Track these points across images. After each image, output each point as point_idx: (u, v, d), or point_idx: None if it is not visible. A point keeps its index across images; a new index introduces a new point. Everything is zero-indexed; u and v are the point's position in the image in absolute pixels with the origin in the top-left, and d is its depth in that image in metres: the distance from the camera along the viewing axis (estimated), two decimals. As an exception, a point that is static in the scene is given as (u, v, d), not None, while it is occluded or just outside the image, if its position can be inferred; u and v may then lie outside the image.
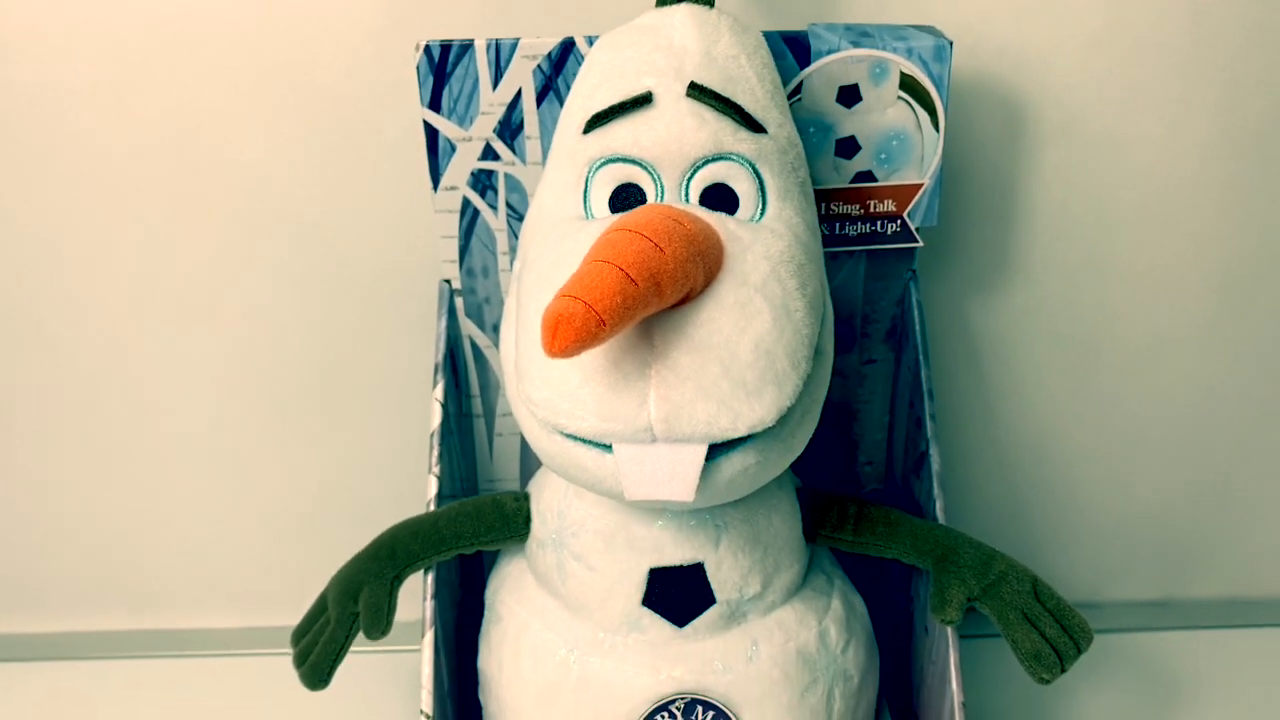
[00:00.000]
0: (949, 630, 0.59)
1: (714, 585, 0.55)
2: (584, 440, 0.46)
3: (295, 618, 0.78)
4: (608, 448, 0.46)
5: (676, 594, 0.55)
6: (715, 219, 0.50)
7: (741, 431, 0.45)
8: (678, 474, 0.43)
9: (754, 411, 0.46)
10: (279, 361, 0.77)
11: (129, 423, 0.79)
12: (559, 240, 0.51)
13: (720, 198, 0.52)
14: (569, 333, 0.41)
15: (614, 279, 0.42)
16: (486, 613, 0.63)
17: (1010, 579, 0.56)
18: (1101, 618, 0.83)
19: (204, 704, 0.76)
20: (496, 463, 0.71)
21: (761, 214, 0.52)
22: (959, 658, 0.58)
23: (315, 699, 0.74)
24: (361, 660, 0.80)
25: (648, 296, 0.43)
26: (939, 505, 0.61)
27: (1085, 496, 0.82)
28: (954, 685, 0.58)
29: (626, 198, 0.52)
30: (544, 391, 0.47)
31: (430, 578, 0.60)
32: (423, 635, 0.60)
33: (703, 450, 0.44)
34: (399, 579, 0.58)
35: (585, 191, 0.53)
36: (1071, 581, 0.85)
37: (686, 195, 0.52)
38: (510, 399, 0.53)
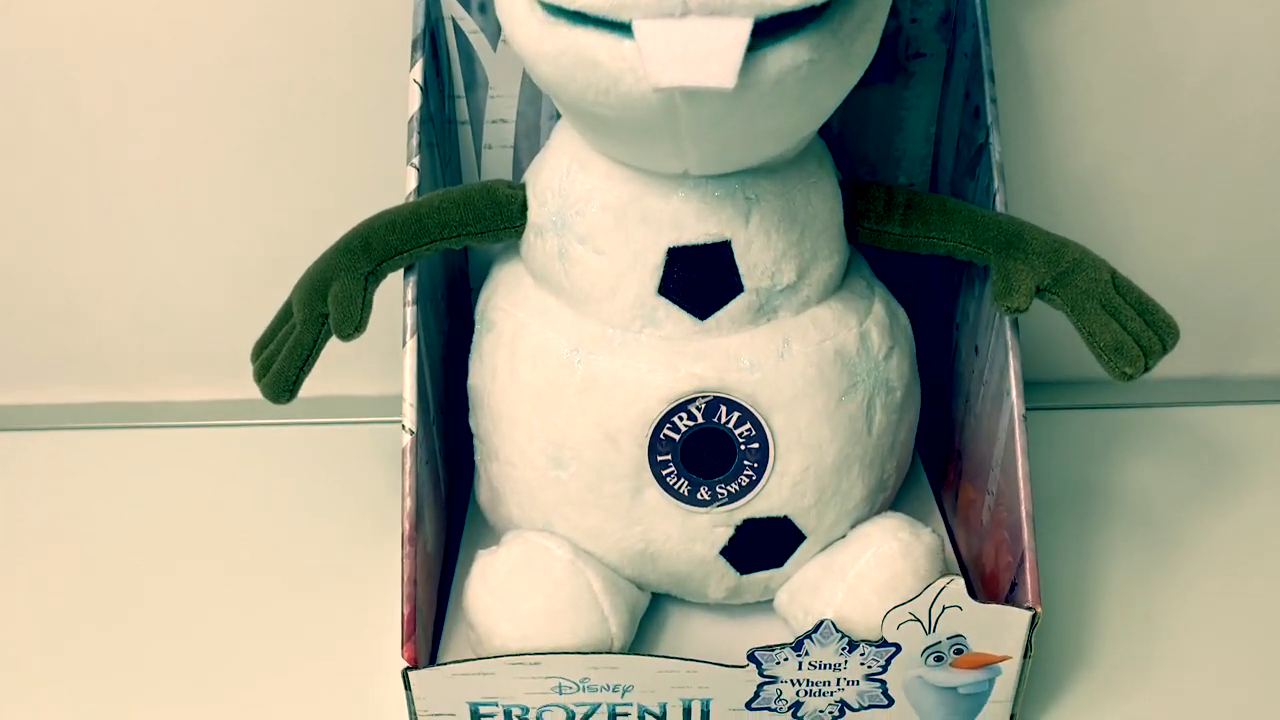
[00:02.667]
0: (1009, 336, 0.51)
1: (742, 269, 0.48)
2: (596, 20, 0.37)
3: (253, 389, 0.76)
4: (626, 29, 0.37)
5: (698, 279, 0.48)
6: None
7: (792, 4, 0.36)
8: (716, 53, 0.34)
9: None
10: (243, 94, 0.67)
11: (82, 174, 0.70)
12: None
13: None
14: None
15: None
16: (477, 325, 0.55)
17: (1086, 266, 0.49)
18: (1146, 392, 0.77)
19: (172, 477, 0.70)
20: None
21: None
22: (1020, 366, 0.51)
23: (293, 472, 0.71)
24: (339, 432, 0.76)
25: None
26: (999, 199, 0.53)
27: (1135, 250, 0.74)
28: (1014, 397, 0.51)
29: None
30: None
31: (412, 283, 0.53)
32: (403, 344, 0.53)
33: (747, 26, 0.35)
34: (374, 275, 0.50)
35: None
36: None
37: None
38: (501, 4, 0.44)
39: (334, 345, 0.76)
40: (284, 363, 0.51)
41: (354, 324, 0.49)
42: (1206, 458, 0.71)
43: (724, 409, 0.49)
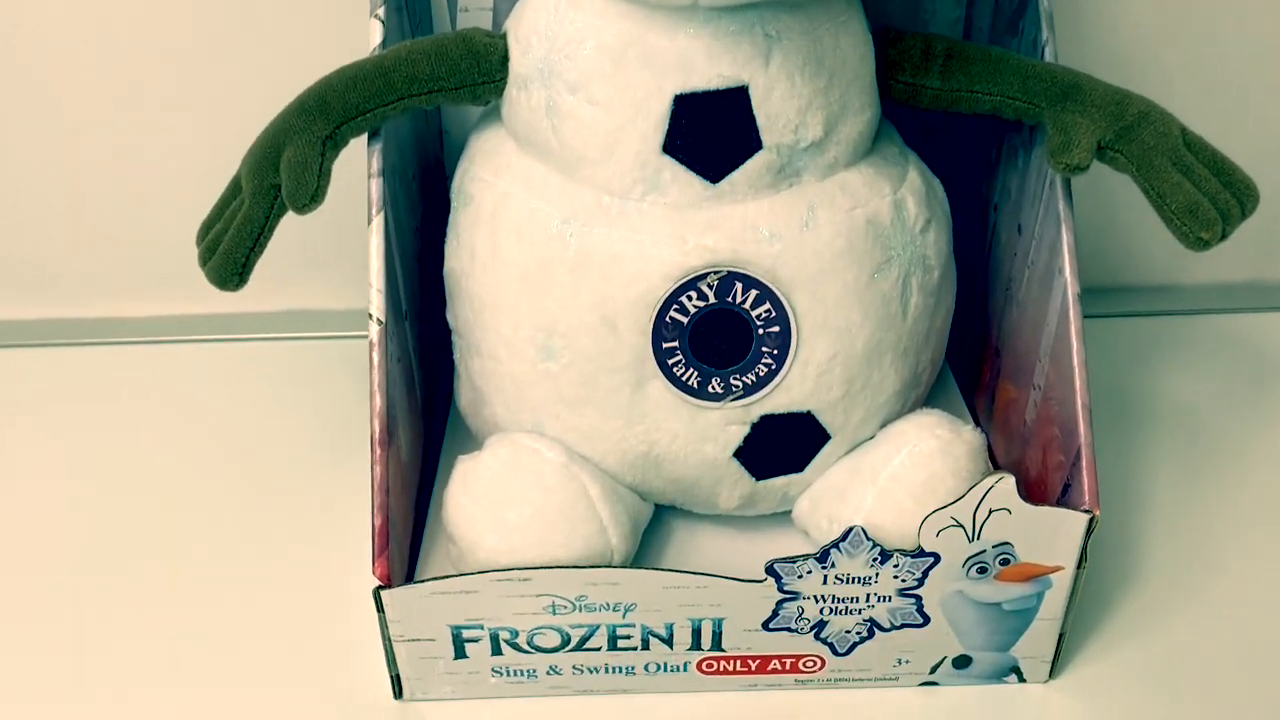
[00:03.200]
0: (1060, 206, 0.45)
1: (760, 121, 0.41)
2: None
3: (221, 304, 0.70)
4: None
5: (710, 134, 0.41)
6: None
7: None
8: None
9: None
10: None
11: (17, 75, 0.63)
12: None
13: None
14: None
15: None
16: (453, 203, 0.48)
17: (1154, 120, 0.43)
18: (1184, 300, 0.73)
19: (127, 396, 0.64)
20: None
21: None
22: (1074, 240, 0.45)
23: (258, 390, 0.65)
24: (307, 348, 0.69)
25: None
26: (1049, 50, 0.46)
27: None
28: (1067, 274, 0.45)
29: None
30: None
31: (377, 153, 0.46)
32: (369, 221, 0.46)
33: None
34: (333, 140, 0.43)
35: None
36: (1148, 262, 0.72)
37: None
38: None
39: (301, 254, 0.70)
40: (232, 242, 0.44)
41: (310, 193, 0.43)
42: (1254, 365, 0.66)
43: (739, 287, 0.42)
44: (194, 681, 0.48)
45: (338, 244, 0.66)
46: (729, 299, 0.43)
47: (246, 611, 0.51)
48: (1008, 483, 0.41)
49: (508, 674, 0.46)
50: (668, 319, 0.43)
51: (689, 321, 0.43)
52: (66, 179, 0.67)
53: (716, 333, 0.43)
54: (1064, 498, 0.45)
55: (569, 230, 0.43)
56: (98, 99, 0.65)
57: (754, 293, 0.42)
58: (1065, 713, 0.47)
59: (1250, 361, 0.67)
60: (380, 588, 0.43)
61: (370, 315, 0.45)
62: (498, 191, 0.45)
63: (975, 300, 0.56)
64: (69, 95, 0.64)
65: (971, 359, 0.57)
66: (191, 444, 0.61)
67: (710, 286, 0.42)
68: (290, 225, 0.67)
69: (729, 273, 0.42)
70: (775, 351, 0.43)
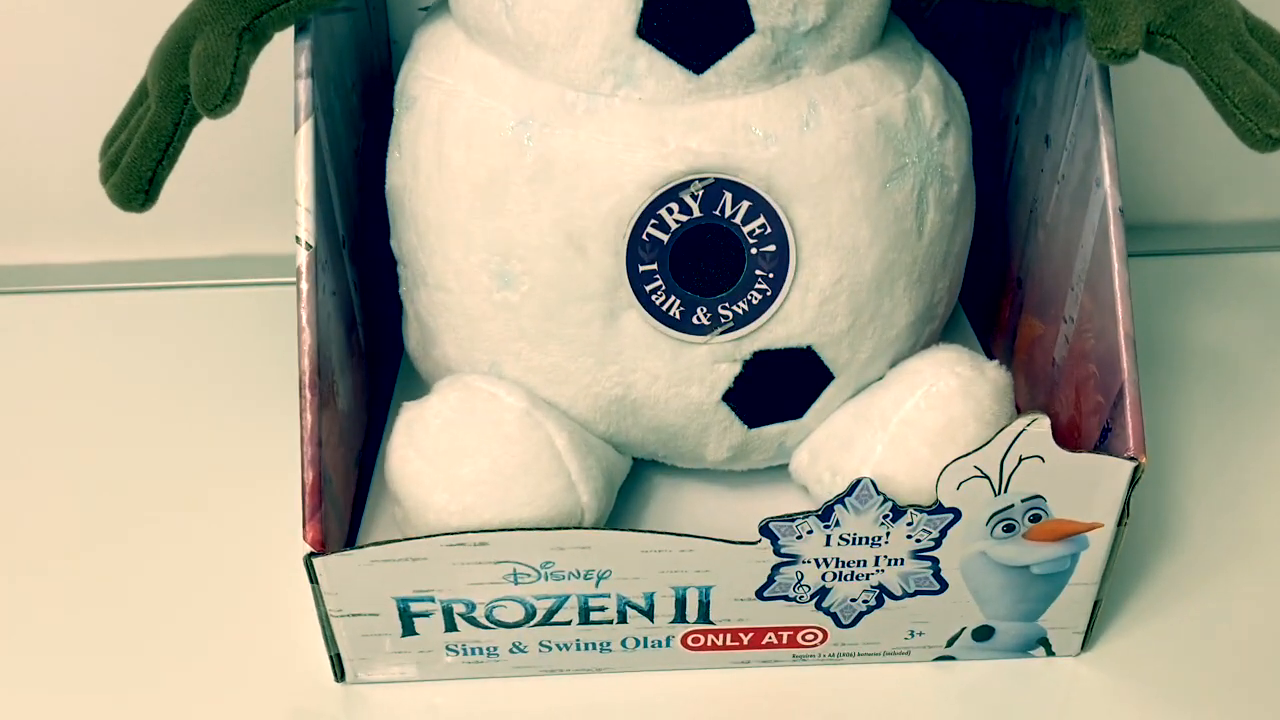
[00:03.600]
0: (1099, 107, 0.39)
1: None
2: None
3: (147, 249, 0.65)
4: None
5: (692, 13, 0.35)
6: None
7: None
8: None
9: None
10: None
11: None
12: None
13: None
14: None
15: None
16: (395, 109, 0.42)
17: (1213, 1, 0.37)
18: (1210, 237, 0.69)
19: (46, 346, 0.58)
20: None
21: None
22: (1115, 146, 0.39)
23: (185, 340, 0.60)
24: (238, 296, 0.63)
25: None
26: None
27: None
28: (1107, 185, 0.38)
29: None
30: None
31: (305, 50, 0.39)
32: (295, 128, 0.40)
33: None
34: (251, 33, 0.37)
35: None
36: (1175, 198, 0.68)
37: None
38: None
39: (228, 192, 0.64)
40: (137, 154, 0.38)
41: (221, 91, 0.36)
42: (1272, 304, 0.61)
43: (729, 197, 0.36)
44: (105, 664, 0.42)
45: (277, 182, 0.61)
46: (716, 212, 0.37)
47: (172, 582, 0.45)
48: (1042, 424, 0.36)
49: (464, 652, 0.40)
50: (644, 237, 0.37)
51: (670, 240, 0.37)
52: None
53: (702, 253, 0.37)
54: (1102, 444, 0.40)
55: (527, 133, 0.37)
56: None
57: (746, 204, 0.36)
58: (1099, 690, 0.41)
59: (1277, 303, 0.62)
60: (312, 554, 0.37)
61: (298, 239, 0.39)
62: (444, 90, 0.39)
63: (993, 229, 0.50)
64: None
65: (988, 296, 0.51)
66: (118, 399, 0.55)
67: (694, 197, 0.36)
68: (225, 160, 0.62)
69: (716, 180, 0.36)
70: (770, 275, 0.38)
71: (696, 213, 0.37)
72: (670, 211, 0.37)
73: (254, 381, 0.55)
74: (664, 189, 0.36)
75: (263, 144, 0.60)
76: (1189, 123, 0.68)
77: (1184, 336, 0.59)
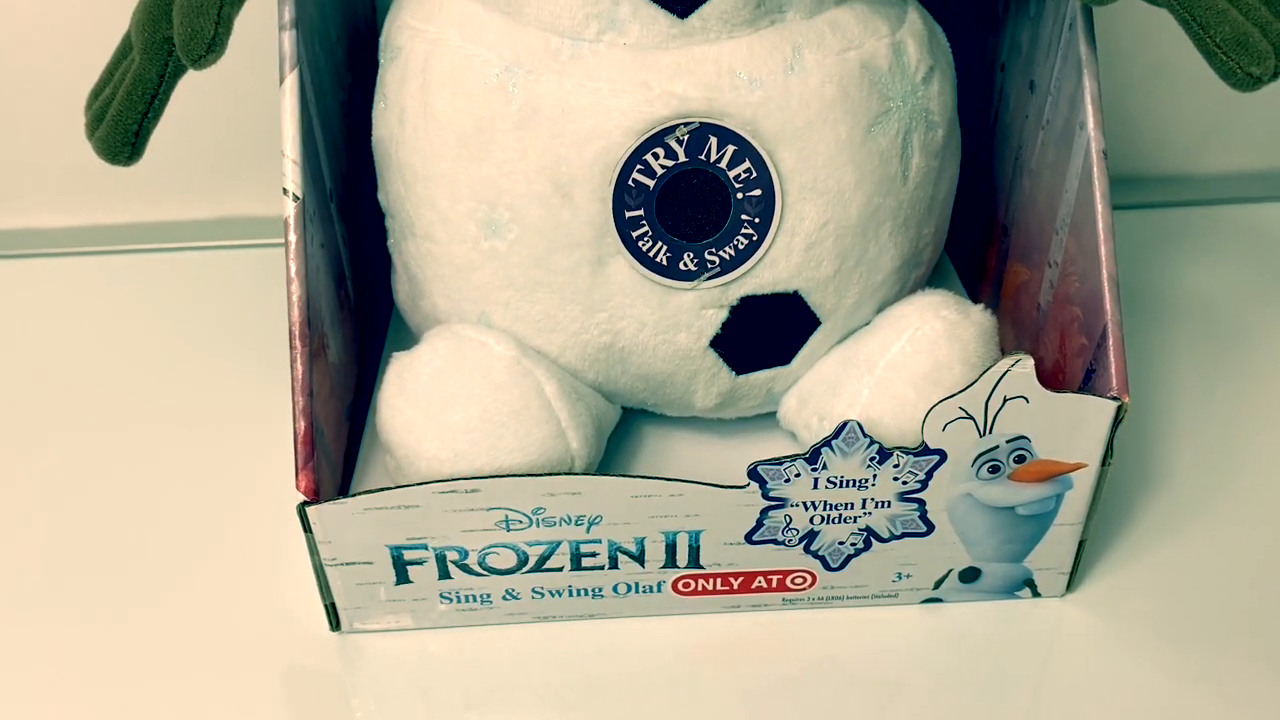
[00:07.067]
0: (1082, 50, 0.39)
1: (735, -58, 0.35)
2: None
3: (136, 213, 0.64)
4: None
5: (675, -44, 0.35)
6: None
7: None
8: None
9: None
10: None
11: None
12: None
13: None
14: None
15: None
16: (380, 60, 0.42)
17: (1194, -62, 0.38)
18: (1196, 189, 0.68)
19: (38, 310, 0.58)
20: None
21: None
22: (1098, 89, 0.40)
23: (166, 300, 0.59)
24: (220, 258, 0.63)
25: None
26: None
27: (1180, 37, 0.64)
28: (1090, 128, 0.38)
29: None
30: None
31: (289, 1, 0.39)
32: (280, 80, 0.40)
33: None
34: (233, -16, 0.38)
35: None
36: (1160, 151, 0.67)
37: None
38: None
39: (218, 157, 0.64)
40: (122, 107, 0.38)
41: (206, 42, 0.36)
42: (1269, 257, 0.61)
43: (714, 142, 0.36)
44: (105, 619, 0.42)
45: (266, 142, 0.60)
46: (702, 157, 0.36)
47: (166, 540, 0.45)
48: (1025, 365, 0.36)
49: (458, 600, 0.41)
50: (631, 183, 0.37)
51: (655, 185, 0.37)
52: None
53: (688, 198, 0.37)
54: (1086, 386, 0.40)
55: (511, 80, 0.37)
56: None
57: (731, 149, 0.36)
58: (1085, 629, 0.42)
59: (1270, 253, 0.62)
60: (305, 504, 0.37)
61: (285, 190, 0.39)
62: (428, 39, 0.38)
63: (979, 177, 0.50)
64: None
65: (975, 243, 0.51)
66: (110, 361, 0.55)
67: (680, 142, 0.36)
68: (213, 121, 0.62)
69: (701, 125, 0.36)
70: (757, 220, 0.37)
71: (682, 158, 0.37)
72: (656, 157, 0.36)
73: (245, 342, 0.55)
74: (649, 134, 0.36)
75: (248, 102, 0.60)
76: (1176, 77, 0.68)
77: (1170, 286, 0.59)
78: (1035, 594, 0.43)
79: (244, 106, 0.61)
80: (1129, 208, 0.66)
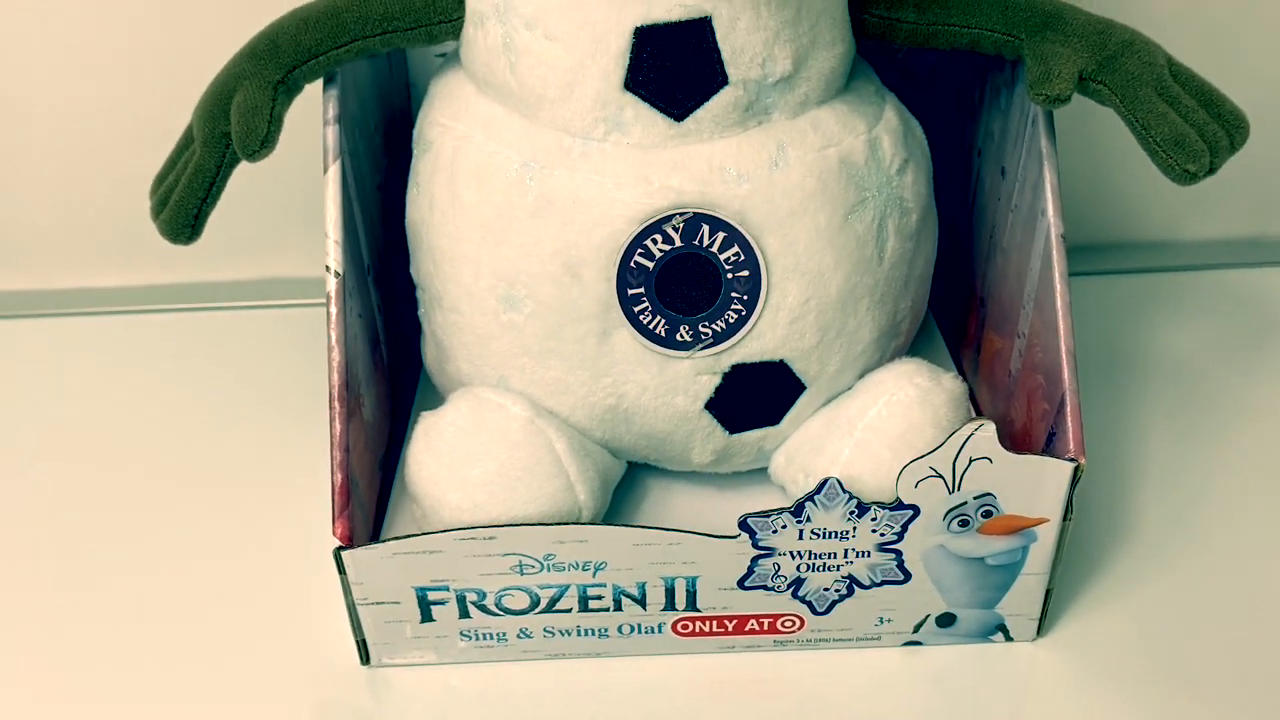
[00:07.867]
0: (1043, 144, 0.43)
1: (725, 54, 0.39)
2: None
3: (187, 274, 0.68)
4: None
5: (673, 69, 0.39)
6: None
7: None
8: None
9: None
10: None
11: None
12: None
13: None
14: None
15: None
16: (414, 150, 0.47)
17: (1138, 49, 0.41)
18: (1183, 256, 0.71)
19: (89, 367, 0.62)
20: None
21: None
22: (1057, 179, 0.43)
23: (223, 358, 0.63)
24: (264, 317, 0.67)
25: None
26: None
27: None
28: (1050, 215, 0.43)
29: None
30: None
31: (333, 98, 0.44)
32: (324, 170, 0.44)
33: None
34: (285, 85, 0.42)
35: None
36: (1144, 218, 0.70)
37: None
38: None
39: (271, 222, 0.69)
40: (184, 194, 0.43)
41: (259, 138, 0.41)
42: (1248, 321, 0.64)
43: (706, 229, 0.41)
44: (154, 650, 0.46)
45: (306, 211, 0.65)
46: (696, 242, 0.41)
47: (210, 579, 0.49)
48: (987, 429, 0.39)
49: (477, 637, 0.44)
50: (632, 264, 0.41)
51: (655, 266, 0.41)
52: (21, 148, 0.65)
53: (684, 278, 0.41)
54: (1049, 447, 0.44)
55: (529, 174, 0.41)
56: (45, 65, 0.62)
57: (722, 235, 0.41)
58: (1055, 672, 0.45)
59: (1246, 317, 0.64)
60: (341, 548, 0.42)
61: (328, 268, 0.44)
62: (456, 135, 0.43)
63: (960, 251, 0.54)
64: (17, 65, 0.62)
65: (957, 312, 0.55)
66: (158, 413, 0.59)
67: (676, 229, 0.41)
68: (259, 192, 0.66)
69: (695, 214, 0.40)
70: (745, 297, 0.42)
71: (678, 243, 0.41)
72: (655, 242, 0.41)
73: (286, 395, 0.59)
74: (649, 222, 0.41)
75: (294, 180, 0.63)
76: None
77: (1150, 348, 0.62)
78: (1008, 638, 0.46)
79: (288, 180, 0.63)
80: (1113, 273, 0.68)
